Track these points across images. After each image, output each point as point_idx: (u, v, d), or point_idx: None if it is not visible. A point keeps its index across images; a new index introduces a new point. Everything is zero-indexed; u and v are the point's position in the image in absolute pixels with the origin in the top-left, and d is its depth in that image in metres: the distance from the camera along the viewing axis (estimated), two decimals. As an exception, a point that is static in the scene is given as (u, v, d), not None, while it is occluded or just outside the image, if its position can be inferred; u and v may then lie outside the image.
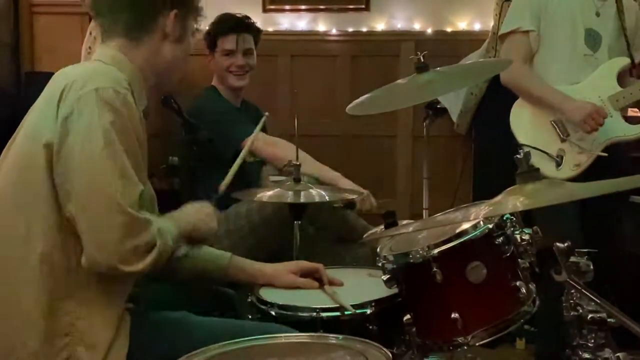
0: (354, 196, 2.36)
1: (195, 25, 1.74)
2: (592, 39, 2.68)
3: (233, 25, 2.90)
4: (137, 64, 1.62)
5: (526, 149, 1.40)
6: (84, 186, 1.43)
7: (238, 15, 2.96)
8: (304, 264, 1.93)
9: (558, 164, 2.57)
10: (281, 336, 1.44)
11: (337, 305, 1.71)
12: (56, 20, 3.77)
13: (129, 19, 1.62)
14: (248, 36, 2.91)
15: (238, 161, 2.21)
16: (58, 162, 1.45)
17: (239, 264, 1.89)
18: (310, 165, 2.51)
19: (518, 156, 1.37)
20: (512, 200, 1.33)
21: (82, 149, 1.44)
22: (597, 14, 2.70)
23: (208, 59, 2.97)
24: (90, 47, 2.83)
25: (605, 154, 2.59)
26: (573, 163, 2.59)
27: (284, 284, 1.87)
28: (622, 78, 2.70)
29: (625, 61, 2.70)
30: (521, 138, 2.64)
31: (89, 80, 1.48)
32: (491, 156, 3.39)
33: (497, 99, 2.96)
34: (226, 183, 2.15)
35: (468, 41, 3.92)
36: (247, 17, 2.97)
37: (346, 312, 1.68)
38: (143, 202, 1.49)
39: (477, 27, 4.06)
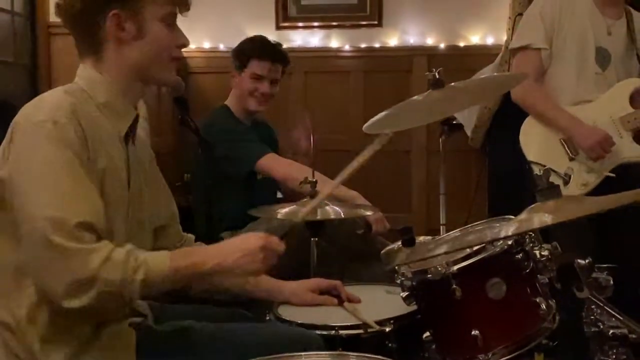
0: (369, 212, 2.36)
1: (162, 12, 1.55)
2: (602, 58, 2.68)
3: (271, 52, 2.89)
4: (112, 75, 1.56)
5: (535, 167, 1.41)
6: (20, 219, 1.40)
7: (275, 43, 2.96)
8: (322, 281, 1.92)
9: (566, 182, 2.54)
10: (301, 355, 1.44)
11: (360, 322, 1.70)
12: (73, 42, 3.79)
13: (78, 37, 1.59)
14: (280, 67, 2.92)
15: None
16: (6, 193, 1.43)
17: (257, 281, 1.87)
18: (327, 184, 2.50)
19: (538, 173, 1.37)
20: (539, 216, 1.33)
21: (18, 180, 1.41)
22: (609, 33, 2.70)
23: (232, 74, 2.94)
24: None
25: (613, 175, 2.58)
26: (581, 182, 2.59)
27: (303, 302, 1.87)
28: (634, 99, 2.69)
29: (638, 82, 2.69)
30: (530, 155, 2.63)
31: (29, 113, 1.46)
32: (505, 170, 3.37)
33: (511, 112, 2.95)
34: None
35: (481, 55, 3.93)
36: (280, 45, 2.97)
37: (369, 330, 1.68)
38: (99, 221, 1.40)
39: (490, 41, 4.07)
